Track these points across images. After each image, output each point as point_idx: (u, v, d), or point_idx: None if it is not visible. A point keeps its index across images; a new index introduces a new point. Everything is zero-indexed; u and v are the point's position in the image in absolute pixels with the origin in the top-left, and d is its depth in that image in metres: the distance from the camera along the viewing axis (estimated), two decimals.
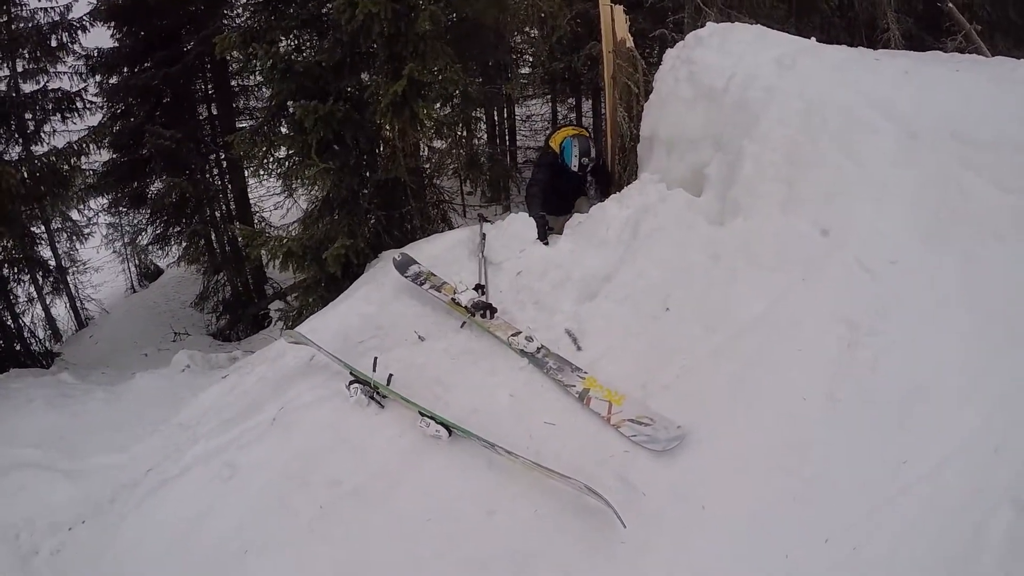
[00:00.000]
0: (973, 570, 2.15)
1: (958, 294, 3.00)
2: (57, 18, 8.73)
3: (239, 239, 7.83)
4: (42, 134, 8.62)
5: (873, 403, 2.73)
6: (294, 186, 7.00)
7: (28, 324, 8.92)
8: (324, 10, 5.74)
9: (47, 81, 8.80)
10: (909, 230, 3.35)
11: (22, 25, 8.43)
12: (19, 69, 8.59)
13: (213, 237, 9.92)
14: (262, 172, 6.52)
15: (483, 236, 4.51)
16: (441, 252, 4.68)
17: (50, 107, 8.65)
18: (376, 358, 3.51)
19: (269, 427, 3.65)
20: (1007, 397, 2.57)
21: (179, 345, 8.67)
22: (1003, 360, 2.69)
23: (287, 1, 5.77)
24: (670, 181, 4.32)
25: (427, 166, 6.35)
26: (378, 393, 3.41)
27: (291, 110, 5.32)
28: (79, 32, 8.85)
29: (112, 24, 9.05)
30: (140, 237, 10.49)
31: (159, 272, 11.75)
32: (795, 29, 5.61)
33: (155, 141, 8.29)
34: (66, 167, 7.70)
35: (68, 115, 8.78)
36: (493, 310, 3.80)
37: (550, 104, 11.09)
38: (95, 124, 9.06)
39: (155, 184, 9.44)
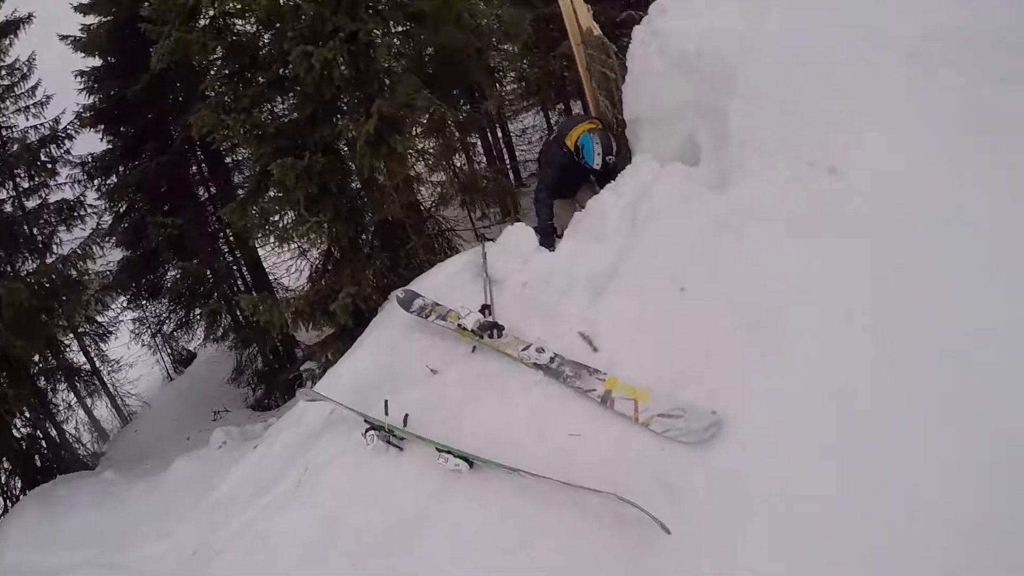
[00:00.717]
0: None
1: (1001, 223, 2.61)
2: (47, 132, 8.95)
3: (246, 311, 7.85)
4: (53, 245, 8.79)
5: (928, 366, 2.35)
6: (298, 245, 7.00)
7: (72, 431, 9.04)
8: (285, 69, 5.73)
9: (48, 194, 9.02)
10: (929, 154, 2.98)
11: (16, 147, 8.64)
12: (22, 187, 8.83)
13: (237, 312, 9.98)
14: (262, 238, 6.52)
15: (485, 256, 4.35)
16: (444, 280, 4.56)
17: (54, 219, 8.82)
18: (386, 401, 3.37)
19: (294, 491, 3.58)
20: None
21: (219, 423, 8.68)
22: None
23: (250, 67, 5.76)
24: (663, 157, 4.10)
25: (428, 200, 6.22)
26: (394, 436, 3.27)
27: (269, 171, 5.28)
28: (66, 141, 9.05)
29: (101, 128, 9.28)
30: (164, 326, 10.63)
31: (192, 356, 11.89)
32: None
33: (159, 231, 8.40)
34: (74, 272, 7.81)
35: (72, 223, 8.94)
36: (500, 328, 3.62)
37: (542, 114, 11.01)
38: (103, 226, 9.23)
39: (169, 273, 9.55)
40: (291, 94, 5.78)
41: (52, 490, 6.44)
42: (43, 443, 8.45)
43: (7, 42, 8.70)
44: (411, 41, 5.40)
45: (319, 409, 4.18)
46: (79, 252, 7.98)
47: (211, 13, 5.52)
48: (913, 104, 3.24)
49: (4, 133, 8.67)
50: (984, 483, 2.07)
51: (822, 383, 2.50)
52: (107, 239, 8.86)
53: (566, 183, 4.89)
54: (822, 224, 3.05)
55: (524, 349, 3.39)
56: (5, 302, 6.83)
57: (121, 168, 9.37)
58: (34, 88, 9.05)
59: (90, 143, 9.35)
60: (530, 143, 11.37)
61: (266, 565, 3.25)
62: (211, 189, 9.85)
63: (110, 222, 9.46)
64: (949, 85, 3.18)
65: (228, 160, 9.89)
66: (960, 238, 2.63)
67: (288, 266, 8.94)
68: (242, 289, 9.93)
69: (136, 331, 10.87)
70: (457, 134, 7.43)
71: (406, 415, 3.34)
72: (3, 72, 8.79)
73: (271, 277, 10.06)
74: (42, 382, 8.69)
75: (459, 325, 3.78)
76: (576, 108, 10.40)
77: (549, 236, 4.62)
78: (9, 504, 7.59)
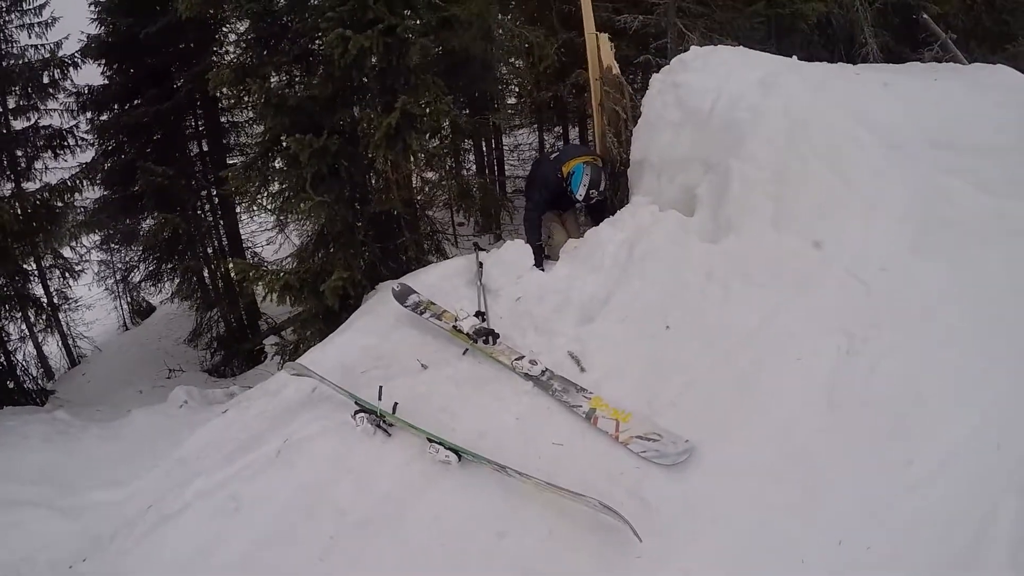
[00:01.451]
0: (983, 559, 2.21)
1: (948, 298, 3.10)
2: (47, 55, 8.79)
3: (234, 275, 7.83)
4: (33, 171, 8.62)
5: (873, 408, 2.80)
6: (287, 220, 7.06)
7: (21, 361, 8.83)
8: (315, 45, 5.83)
9: (38, 118, 8.84)
10: (898, 238, 3.46)
11: (12, 62, 8.46)
12: (9, 106, 8.64)
13: (206, 273, 9.91)
14: (255, 207, 6.55)
15: (480, 264, 4.55)
16: (438, 281, 4.71)
17: (41, 144, 8.65)
18: (381, 387, 3.52)
19: (274, 459, 3.62)
20: (1004, 396, 2.65)
21: (174, 382, 8.60)
22: (997, 360, 2.78)
23: (280, 37, 5.84)
24: (662, 203, 4.41)
25: (420, 197, 6.37)
26: (384, 422, 3.41)
27: (285, 144, 5.37)
28: (71, 69, 8.92)
29: (102, 62, 9.13)
30: (132, 274, 10.46)
31: (151, 309, 11.69)
32: (776, 48, 5.78)
33: (147, 178, 8.28)
34: (60, 203, 7.67)
35: (60, 152, 8.78)
36: (496, 336, 3.83)
37: (537, 133, 11.24)
38: (86, 161, 9.11)
39: (147, 221, 9.43)
40: (316, 72, 5.87)
41: (1, 419, 6.29)
42: None
43: None
44: (440, 45, 5.56)
45: (300, 384, 4.25)
46: (68, 184, 7.80)
47: None
48: (887, 189, 3.67)
49: (3, 48, 8.45)
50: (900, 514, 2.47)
51: (785, 420, 2.89)
52: (96, 176, 8.70)
53: (555, 206, 5.16)
54: (799, 287, 3.45)
55: (517, 359, 3.62)
56: None
57: (116, 107, 9.20)
58: (42, 7, 8.88)
59: (89, 76, 9.20)
60: (520, 160, 11.56)
61: (236, 527, 3.28)
62: (203, 146, 9.77)
63: (93, 158, 9.27)
64: (915, 173, 3.65)
65: (224, 120, 9.88)
66: (913, 311, 3.11)
67: (269, 239, 9.04)
68: (218, 252, 9.87)
69: (101, 274, 10.65)
70: (466, 141, 7.66)
71: (395, 403, 3.48)
72: None
73: (246, 246, 10.07)
74: None
75: (454, 327, 3.98)
76: (573, 134, 10.72)
77: (539, 254, 4.85)
78: None
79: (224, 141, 9.85)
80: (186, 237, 9.08)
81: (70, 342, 10.23)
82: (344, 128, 5.60)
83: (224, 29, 9.02)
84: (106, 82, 9.29)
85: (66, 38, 9.00)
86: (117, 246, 10.24)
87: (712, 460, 2.83)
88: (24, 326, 9.06)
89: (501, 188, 10.18)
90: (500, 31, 5.56)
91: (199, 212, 9.62)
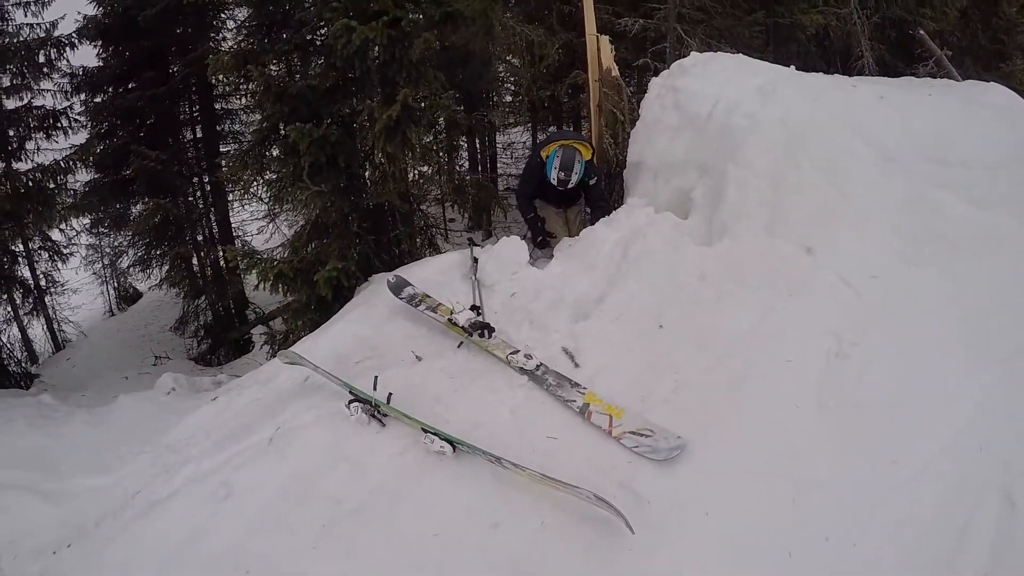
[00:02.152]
0: (965, 558, 2.30)
1: (936, 306, 3.22)
2: (43, 34, 8.72)
3: (226, 262, 7.80)
4: (25, 151, 8.53)
5: (860, 409, 2.89)
6: (280, 210, 7.04)
7: (6, 344, 8.73)
8: (316, 35, 5.83)
9: (31, 98, 8.76)
10: (889, 248, 3.58)
11: (7, 41, 8.38)
12: (3, 84, 8.56)
13: (195, 261, 9.85)
14: (248, 196, 6.52)
15: (475, 259, 4.58)
16: (433, 275, 4.71)
17: (34, 124, 8.57)
18: (376, 377, 3.53)
19: (266, 447, 3.61)
20: (987, 400, 2.77)
21: (160, 369, 8.55)
22: (982, 366, 2.89)
23: (282, 25, 5.84)
24: (657, 205, 4.47)
25: (415, 191, 6.39)
26: (379, 412, 3.42)
27: (284, 133, 5.37)
28: (67, 49, 8.86)
29: (99, 43, 9.07)
30: (121, 259, 10.37)
31: (138, 295, 11.59)
32: (773, 58, 5.87)
33: (140, 162, 8.23)
34: (51, 185, 7.60)
35: (52, 133, 8.71)
36: (491, 330, 3.86)
37: (531, 131, 11.27)
38: (77, 144, 9.03)
39: (137, 206, 9.37)
40: (316, 61, 5.87)
41: None
42: None
43: None
44: (441, 39, 5.58)
45: (293, 373, 4.25)
46: (60, 165, 7.73)
47: None
48: (880, 200, 3.78)
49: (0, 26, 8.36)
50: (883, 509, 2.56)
51: (775, 420, 2.96)
52: (88, 158, 8.63)
53: (543, 192, 5.04)
54: (791, 291, 3.53)
55: (512, 353, 3.64)
56: None
57: (110, 89, 9.14)
58: None
59: (84, 57, 9.13)
60: (513, 158, 11.60)
61: (227, 515, 3.27)
62: (196, 132, 9.72)
63: (86, 140, 9.17)
64: (908, 186, 3.76)
65: (219, 107, 9.83)
66: (902, 318, 3.22)
67: (260, 227, 9.02)
68: (208, 239, 9.81)
69: (89, 258, 10.55)
70: (464, 137, 7.68)
71: (389, 393, 3.50)
72: None
73: (236, 234, 10.03)
74: None
75: (450, 320, 4.00)
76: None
77: (535, 225, 4.94)
78: None
79: (218, 128, 9.81)
80: (176, 223, 9.01)
81: (55, 326, 10.14)
82: (343, 119, 5.60)
83: (223, 15, 9.03)
84: (101, 64, 9.23)
85: (62, 18, 8.94)
86: (106, 230, 10.14)
87: (703, 457, 2.87)
88: (10, 308, 8.96)
89: (493, 185, 10.23)
90: (501, 29, 5.56)
91: (191, 199, 9.56)
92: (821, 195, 3.85)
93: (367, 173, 6.03)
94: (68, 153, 8.75)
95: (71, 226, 9.78)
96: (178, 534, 3.28)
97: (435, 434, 3.13)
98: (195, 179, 9.64)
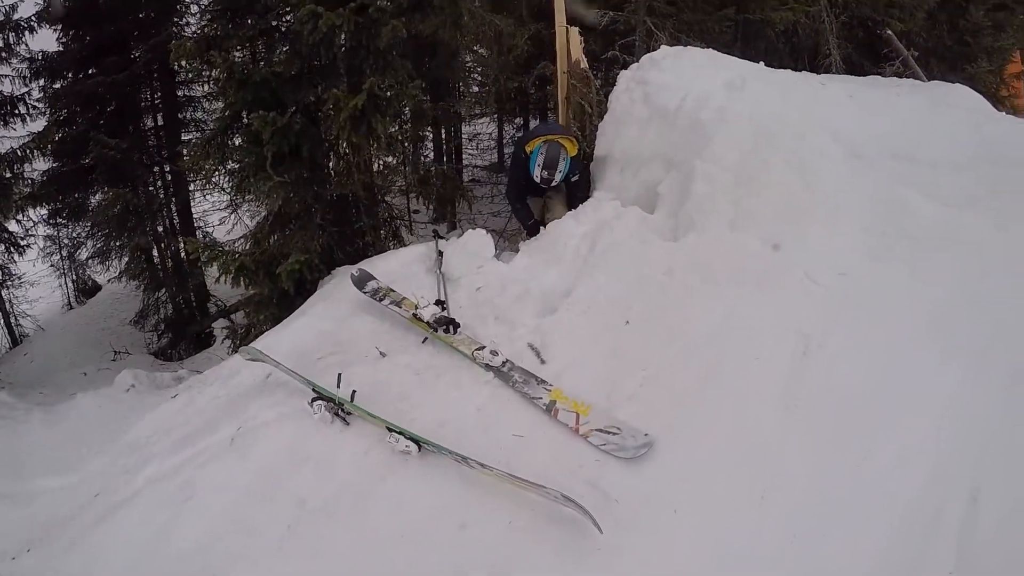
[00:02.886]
0: (932, 556, 2.31)
1: (904, 303, 3.23)
2: (1, 18, 8.37)
3: (187, 254, 7.58)
4: None
5: (829, 406, 2.89)
6: (241, 200, 6.86)
7: None
8: (282, 21, 5.68)
9: None
10: (856, 244, 3.60)
11: None
12: None
13: (155, 252, 9.58)
14: (210, 185, 6.34)
15: (440, 253, 4.53)
16: (397, 268, 4.66)
17: None
18: (340, 374, 3.47)
19: (228, 446, 3.55)
20: (955, 396, 2.77)
21: (119, 364, 8.33)
22: (950, 362, 2.90)
23: (247, 11, 5.67)
24: (624, 199, 4.47)
25: (379, 182, 6.27)
26: (343, 410, 3.37)
27: (247, 121, 5.22)
28: (26, 33, 8.54)
29: (59, 27, 8.70)
30: (80, 251, 10.05)
31: (97, 288, 11.22)
32: (741, 53, 5.90)
33: (100, 151, 7.93)
34: (8, 174, 7.31)
35: (10, 120, 8.40)
36: (456, 325, 3.81)
37: (497, 123, 11.18)
38: (36, 131, 8.70)
39: (96, 196, 9.07)
40: (282, 48, 5.72)
41: None
42: None
43: None
44: (409, 28, 5.47)
45: (255, 369, 4.16)
46: (18, 153, 7.42)
47: None
48: (848, 197, 3.81)
49: None
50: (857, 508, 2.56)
51: (742, 417, 2.96)
52: (46, 146, 8.33)
53: (531, 187, 4.97)
54: (758, 287, 3.53)
55: (478, 349, 3.61)
56: None
57: (70, 75, 8.79)
58: None
59: (44, 41, 8.79)
60: (479, 149, 11.50)
61: (191, 515, 3.20)
62: (158, 120, 9.43)
63: (44, 128, 8.82)
64: (876, 184, 3.79)
65: (181, 94, 9.56)
66: (870, 314, 3.22)
67: (222, 218, 8.80)
68: (168, 230, 9.54)
69: (47, 249, 10.21)
70: (429, 127, 7.57)
71: (353, 391, 3.45)
72: None
73: (197, 225, 9.78)
74: None
75: (415, 315, 3.94)
76: (534, 126, 10.71)
77: (536, 232, 4.84)
78: None
79: (180, 115, 9.50)
80: (137, 214, 8.73)
81: (12, 320, 9.80)
82: (308, 107, 5.46)
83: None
84: (61, 49, 8.86)
85: (22, 1, 8.58)
86: (65, 221, 9.79)
87: (671, 454, 2.87)
88: None
89: (458, 176, 10.14)
90: (469, 18, 5.47)
91: (151, 188, 9.28)
92: (789, 191, 3.87)
93: (331, 163, 5.90)
94: (26, 141, 8.45)
95: (28, 216, 9.40)
96: (141, 536, 3.20)
97: (400, 433, 3.09)
98: (156, 168, 9.33)
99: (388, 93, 5.28)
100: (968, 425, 2.67)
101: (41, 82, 8.90)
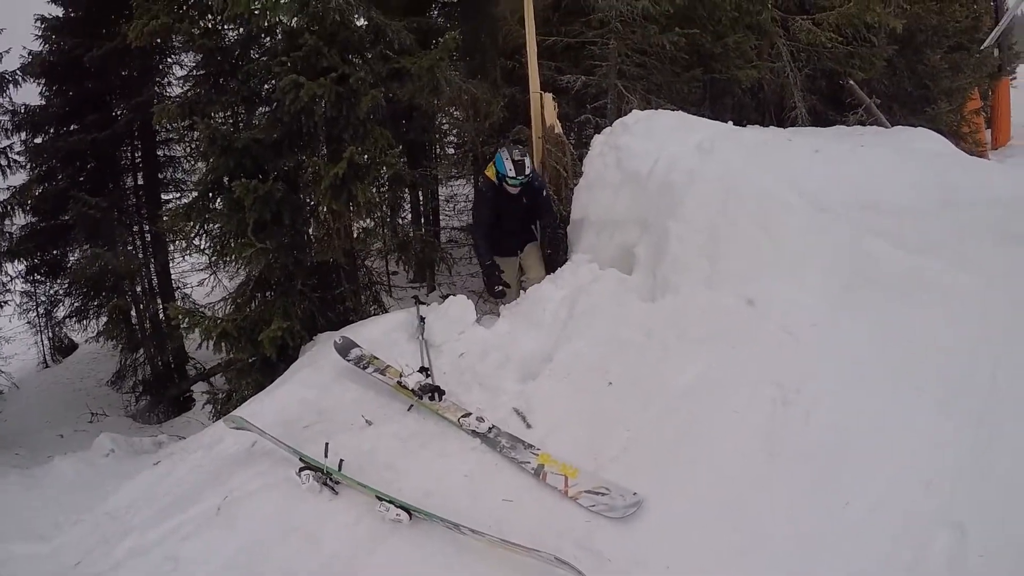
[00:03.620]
0: None
1: (873, 350, 3.37)
2: None
3: (168, 318, 7.52)
4: None
5: (808, 455, 2.99)
6: (221, 264, 6.85)
7: None
8: (263, 88, 5.81)
9: None
10: (825, 294, 3.74)
11: None
12: None
13: (133, 313, 9.49)
14: (189, 248, 6.34)
15: (422, 319, 4.58)
16: (380, 335, 4.69)
17: None
18: (327, 444, 3.48)
19: (214, 516, 3.51)
20: (928, 437, 2.90)
21: (96, 427, 8.18)
22: (919, 405, 3.05)
23: (230, 76, 5.80)
24: (601, 261, 4.59)
25: (358, 246, 6.33)
26: (331, 479, 3.37)
27: (230, 187, 5.28)
28: (10, 86, 8.58)
29: (42, 81, 8.81)
30: (57, 308, 9.91)
31: (73, 347, 11.02)
32: (710, 111, 6.15)
33: (79, 208, 7.93)
34: None
35: None
36: (441, 392, 3.85)
37: (472, 184, 11.27)
38: (15, 185, 8.75)
39: (75, 254, 9.02)
40: (262, 113, 5.85)
41: None
42: None
43: None
44: (388, 95, 5.63)
45: (239, 437, 4.14)
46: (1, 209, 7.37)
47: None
48: (814, 249, 3.96)
49: None
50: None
51: (724, 471, 3.05)
52: (27, 202, 8.31)
53: (501, 226, 5.08)
54: (734, 343, 3.65)
55: (464, 416, 3.66)
56: None
57: (51, 130, 8.84)
58: None
59: (27, 95, 8.85)
60: (456, 210, 11.60)
61: None
62: (138, 179, 9.47)
63: (24, 182, 8.87)
64: (842, 234, 3.94)
65: (161, 154, 9.63)
66: (842, 364, 3.36)
67: (202, 280, 8.77)
68: (147, 291, 9.47)
69: (23, 306, 10.04)
70: (407, 192, 7.66)
71: (341, 460, 3.45)
72: None
73: (176, 287, 9.72)
74: None
75: (399, 383, 3.98)
76: None
77: (492, 274, 4.90)
78: None
79: (160, 175, 9.57)
80: (115, 274, 8.69)
81: None
82: (288, 173, 5.56)
83: (169, 59, 8.92)
84: (44, 103, 8.93)
85: (7, 52, 8.62)
86: (42, 277, 9.69)
87: (659, 512, 2.93)
88: None
89: (436, 239, 10.21)
90: (446, 84, 5.64)
91: (131, 248, 9.25)
92: (757, 247, 4.01)
93: (311, 229, 5.95)
94: (7, 196, 8.48)
95: (6, 272, 9.31)
96: None
97: (391, 502, 3.10)
98: (135, 228, 9.33)
99: (368, 160, 5.41)
100: (942, 463, 2.80)
101: (23, 136, 8.92)
